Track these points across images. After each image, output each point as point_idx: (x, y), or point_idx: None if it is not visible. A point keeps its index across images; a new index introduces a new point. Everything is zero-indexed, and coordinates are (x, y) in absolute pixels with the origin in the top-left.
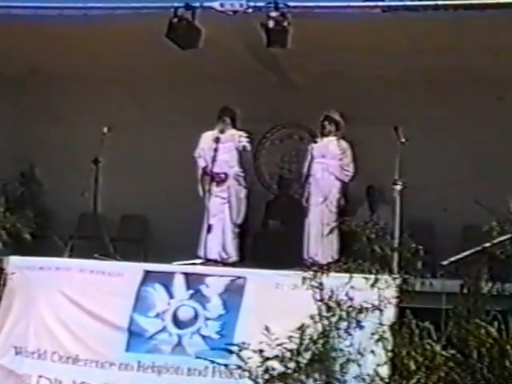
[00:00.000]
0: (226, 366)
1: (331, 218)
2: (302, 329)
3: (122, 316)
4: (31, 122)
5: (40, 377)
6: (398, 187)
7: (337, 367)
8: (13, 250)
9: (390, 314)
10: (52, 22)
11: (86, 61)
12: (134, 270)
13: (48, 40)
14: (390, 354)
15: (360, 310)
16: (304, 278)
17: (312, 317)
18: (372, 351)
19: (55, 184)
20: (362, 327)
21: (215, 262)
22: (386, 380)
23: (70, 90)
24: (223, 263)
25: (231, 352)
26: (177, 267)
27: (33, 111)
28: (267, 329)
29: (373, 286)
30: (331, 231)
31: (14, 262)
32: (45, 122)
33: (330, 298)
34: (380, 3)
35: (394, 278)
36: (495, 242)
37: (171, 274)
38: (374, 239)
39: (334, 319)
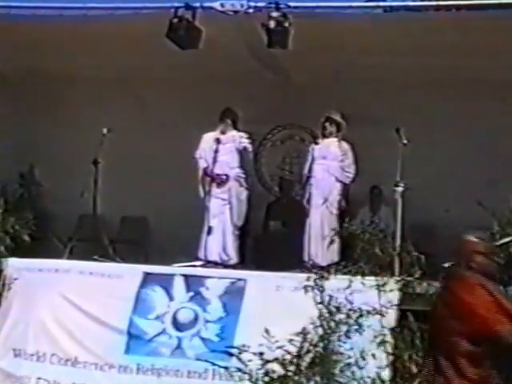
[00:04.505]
0: (226, 368)
1: (332, 219)
2: (302, 331)
3: (121, 318)
4: (31, 123)
5: (39, 379)
6: (400, 189)
7: (337, 370)
8: (12, 251)
9: (391, 316)
10: (52, 22)
11: (85, 61)
12: (134, 272)
13: (48, 40)
14: (391, 357)
15: (361, 313)
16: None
17: (312, 319)
18: (373, 354)
19: (55, 185)
20: (362, 330)
21: (215, 264)
22: (388, 383)
23: (69, 90)
24: (223, 265)
25: (231, 354)
26: (177, 269)
27: (32, 112)
28: (267, 331)
29: (374, 288)
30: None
31: (13, 263)
32: (44, 123)
33: (331, 300)
34: (381, 3)
35: (396, 281)
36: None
37: (171, 276)
38: (376, 241)
39: (334, 322)
